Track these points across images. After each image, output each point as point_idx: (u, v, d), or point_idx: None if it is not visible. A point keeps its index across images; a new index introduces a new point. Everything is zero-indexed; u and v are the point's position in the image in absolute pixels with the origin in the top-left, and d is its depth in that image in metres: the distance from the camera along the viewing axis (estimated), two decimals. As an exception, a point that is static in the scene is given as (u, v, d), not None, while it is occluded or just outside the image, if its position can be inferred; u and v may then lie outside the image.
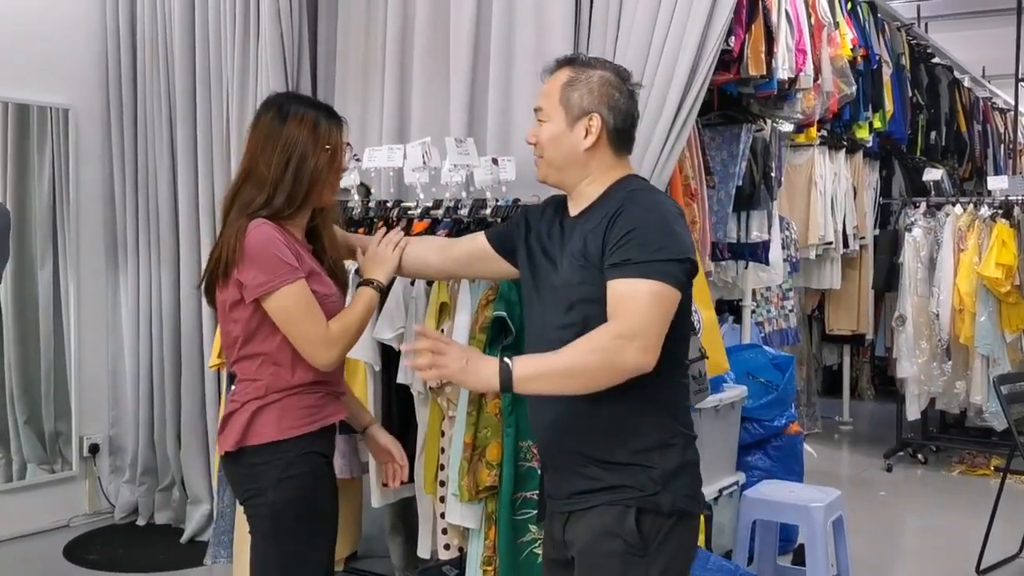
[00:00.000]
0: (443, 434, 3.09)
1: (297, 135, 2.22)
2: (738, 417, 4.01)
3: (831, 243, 6.16)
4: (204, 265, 2.31)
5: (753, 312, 5.24)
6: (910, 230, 5.87)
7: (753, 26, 3.92)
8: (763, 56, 3.96)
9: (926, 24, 7.67)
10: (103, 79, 4.79)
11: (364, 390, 3.19)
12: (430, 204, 3.24)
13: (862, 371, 8.04)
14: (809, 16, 4.59)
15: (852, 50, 5.10)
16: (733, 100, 4.45)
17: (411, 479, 3.21)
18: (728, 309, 5.00)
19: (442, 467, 3.07)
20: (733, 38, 3.78)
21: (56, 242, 4.69)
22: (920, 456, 6.20)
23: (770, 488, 3.73)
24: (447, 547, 3.10)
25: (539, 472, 2.41)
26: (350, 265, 2.68)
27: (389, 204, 3.37)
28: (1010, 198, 5.65)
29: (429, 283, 3.13)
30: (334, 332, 2.20)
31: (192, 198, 4.49)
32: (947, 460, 6.21)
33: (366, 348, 3.07)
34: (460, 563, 3.13)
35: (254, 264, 2.15)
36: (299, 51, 4.13)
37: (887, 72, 5.88)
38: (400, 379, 3.14)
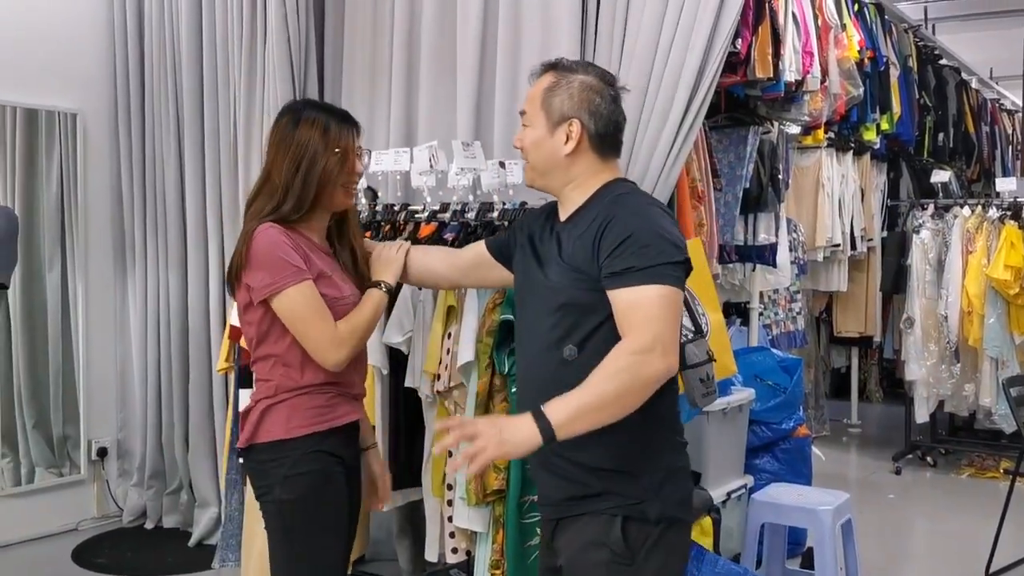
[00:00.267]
0: (451, 438, 3.08)
1: (307, 138, 2.24)
2: (746, 420, 3.99)
3: (839, 245, 6.13)
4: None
5: (761, 315, 5.22)
6: (918, 232, 5.86)
7: (760, 28, 3.92)
8: (770, 58, 3.96)
9: (933, 25, 7.64)
10: (111, 83, 4.81)
11: (372, 394, 3.19)
12: (437, 207, 3.24)
13: (870, 373, 8.00)
14: (816, 18, 4.58)
15: (859, 52, 5.09)
16: (740, 102, 4.45)
17: (419, 482, 3.23)
18: (736, 312, 4.99)
19: (450, 470, 3.07)
20: (740, 40, 3.78)
21: (64, 246, 4.71)
22: (929, 459, 6.18)
23: (778, 491, 3.71)
24: (455, 551, 3.10)
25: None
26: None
27: (396, 207, 3.38)
28: (1019, 200, 5.62)
29: (436, 287, 3.13)
30: (342, 332, 2.21)
31: (200, 201, 4.49)
32: (956, 463, 6.19)
33: (375, 352, 3.08)
34: (468, 567, 3.12)
35: (260, 266, 2.18)
36: (306, 54, 4.14)
37: (894, 74, 5.87)
38: (408, 383, 3.15)
